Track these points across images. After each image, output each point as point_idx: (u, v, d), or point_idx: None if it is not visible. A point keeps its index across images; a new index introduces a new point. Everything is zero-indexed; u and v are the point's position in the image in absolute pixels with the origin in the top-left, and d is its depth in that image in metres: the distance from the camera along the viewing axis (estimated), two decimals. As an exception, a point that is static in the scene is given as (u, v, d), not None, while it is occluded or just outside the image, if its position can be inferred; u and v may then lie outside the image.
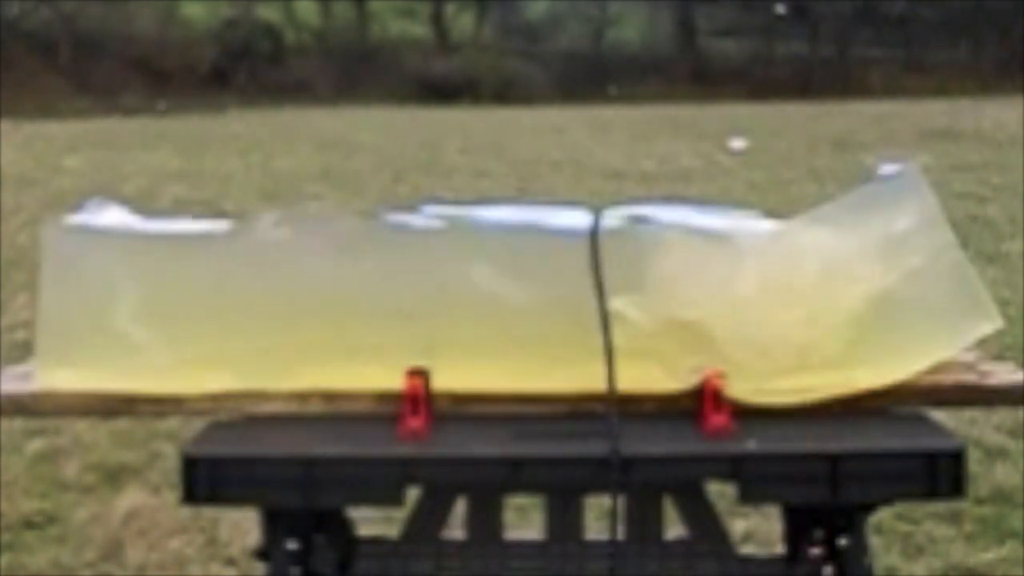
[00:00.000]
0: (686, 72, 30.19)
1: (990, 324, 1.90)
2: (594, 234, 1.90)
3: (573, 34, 32.41)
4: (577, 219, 1.95)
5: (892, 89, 26.78)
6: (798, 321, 1.88)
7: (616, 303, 1.87)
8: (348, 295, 1.94)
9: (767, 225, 1.99)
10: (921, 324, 1.90)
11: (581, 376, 1.87)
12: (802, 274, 1.91)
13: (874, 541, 3.22)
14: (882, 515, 3.30)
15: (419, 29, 32.85)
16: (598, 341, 1.85)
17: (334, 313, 1.93)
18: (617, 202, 2.03)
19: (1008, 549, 3.35)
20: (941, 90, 25.99)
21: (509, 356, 1.90)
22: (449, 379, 1.90)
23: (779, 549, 2.06)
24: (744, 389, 1.87)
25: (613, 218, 1.95)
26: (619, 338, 1.86)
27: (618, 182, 12.46)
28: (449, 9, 33.22)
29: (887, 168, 2.01)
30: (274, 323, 1.93)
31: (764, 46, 31.61)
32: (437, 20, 32.94)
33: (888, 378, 1.89)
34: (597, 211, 1.95)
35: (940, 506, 3.41)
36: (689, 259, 1.91)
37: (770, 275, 1.91)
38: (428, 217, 2.01)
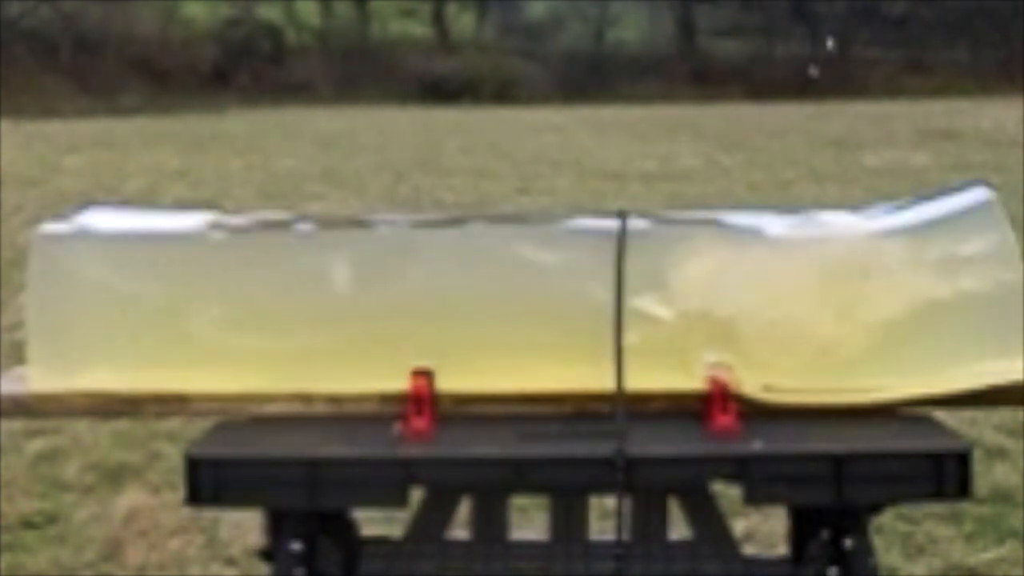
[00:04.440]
0: (686, 72, 30.17)
1: (1019, 374, 1.88)
2: (621, 232, 1.90)
3: (573, 34, 32.40)
4: (604, 220, 1.96)
5: (892, 89, 26.78)
6: (825, 320, 1.88)
7: (639, 301, 1.87)
8: (353, 295, 1.94)
9: (812, 222, 1.98)
10: (956, 348, 1.89)
11: (594, 375, 1.87)
12: (838, 274, 1.90)
13: (874, 541, 3.23)
14: (882, 515, 3.30)
15: (419, 29, 32.85)
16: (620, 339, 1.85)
17: (338, 313, 1.94)
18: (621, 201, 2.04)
19: (1008, 549, 3.35)
20: (941, 90, 26.00)
21: (520, 356, 1.90)
22: (455, 380, 1.90)
23: (780, 548, 2.06)
24: (760, 387, 1.87)
25: (640, 218, 1.96)
26: (639, 336, 1.86)
27: (618, 182, 12.46)
28: (449, 9, 33.22)
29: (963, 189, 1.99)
30: (277, 323, 1.93)
31: (764, 46, 31.60)
32: (437, 20, 32.94)
33: (905, 392, 1.89)
34: (623, 214, 1.96)
35: (940, 506, 3.41)
36: (717, 256, 1.91)
37: (802, 273, 1.91)
38: None
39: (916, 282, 1.90)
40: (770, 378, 1.88)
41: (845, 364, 1.88)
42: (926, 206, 2.01)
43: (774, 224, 1.98)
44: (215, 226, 2.02)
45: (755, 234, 1.95)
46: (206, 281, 1.97)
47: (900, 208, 2.02)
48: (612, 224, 1.94)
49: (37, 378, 1.96)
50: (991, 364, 1.88)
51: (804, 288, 1.90)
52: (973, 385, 1.88)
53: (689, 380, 1.88)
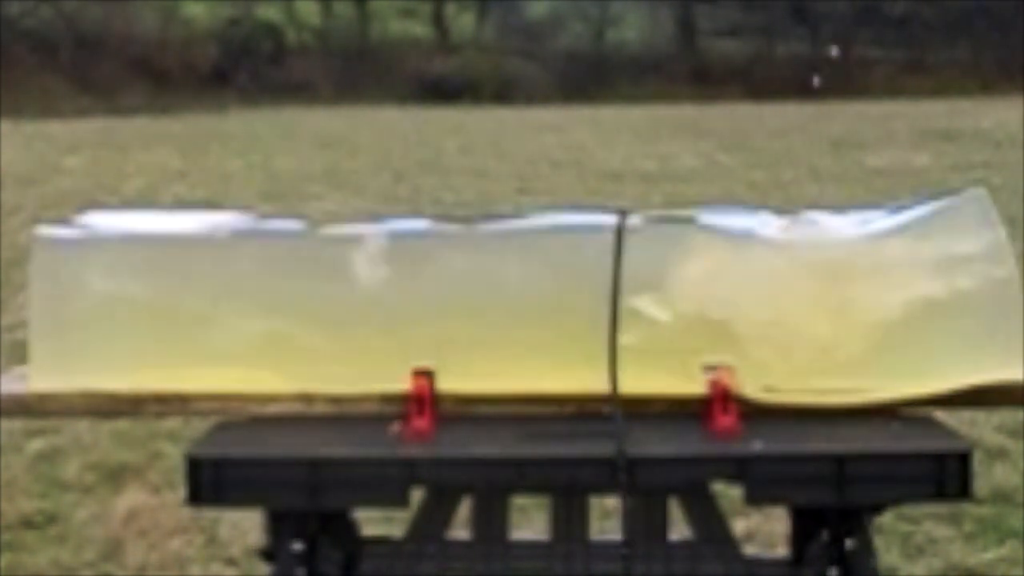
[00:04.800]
0: (686, 72, 30.15)
1: (1017, 371, 1.89)
2: (619, 233, 1.90)
3: (573, 34, 32.39)
4: (602, 219, 1.96)
5: (892, 89, 26.76)
6: (823, 321, 1.88)
7: (636, 301, 1.87)
8: (355, 296, 1.94)
9: (808, 223, 1.99)
10: (952, 347, 1.89)
11: (593, 377, 1.87)
12: (835, 275, 1.91)
13: (874, 540, 3.23)
14: (882, 515, 3.30)
15: (419, 29, 32.83)
16: (615, 340, 1.85)
17: (340, 314, 1.94)
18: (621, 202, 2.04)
19: (1008, 549, 3.35)
20: (941, 90, 25.97)
21: (520, 356, 1.90)
22: (456, 380, 1.90)
23: (780, 549, 2.06)
24: (760, 387, 1.87)
25: (638, 218, 1.96)
26: (636, 337, 1.86)
27: (618, 182, 12.46)
28: (449, 9, 33.19)
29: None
30: (283, 323, 1.94)
31: (764, 46, 31.59)
32: (437, 20, 32.92)
33: (903, 392, 1.89)
34: (623, 213, 1.96)
35: (940, 506, 3.40)
36: (715, 257, 1.91)
37: (799, 274, 1.91)
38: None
39: (911, 283, 1.90)
40: (770, 379, 1.88)
41: (843, 365, 1.88)
42: (919, 207, 2.02)
43: (771, 225, 1.98)
44: (218, 227, 2.03)
45: (752, 235, 1.95)
46: (208, 281, 1.97)
47: (893, 210, 2.03)
48: (611, 224, 1.93)
49: (38, 377, 1.96)
50: (987, 363, 1.88)
51: (802, 289, 1.90)
52: (969, 384, 1.88)
53: (689, 382, 1.88)
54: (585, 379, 1.88)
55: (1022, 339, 1.88)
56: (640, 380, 1.86)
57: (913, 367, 1.89)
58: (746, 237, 1.95)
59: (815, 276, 1.91)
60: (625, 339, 1.86)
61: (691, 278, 1.90)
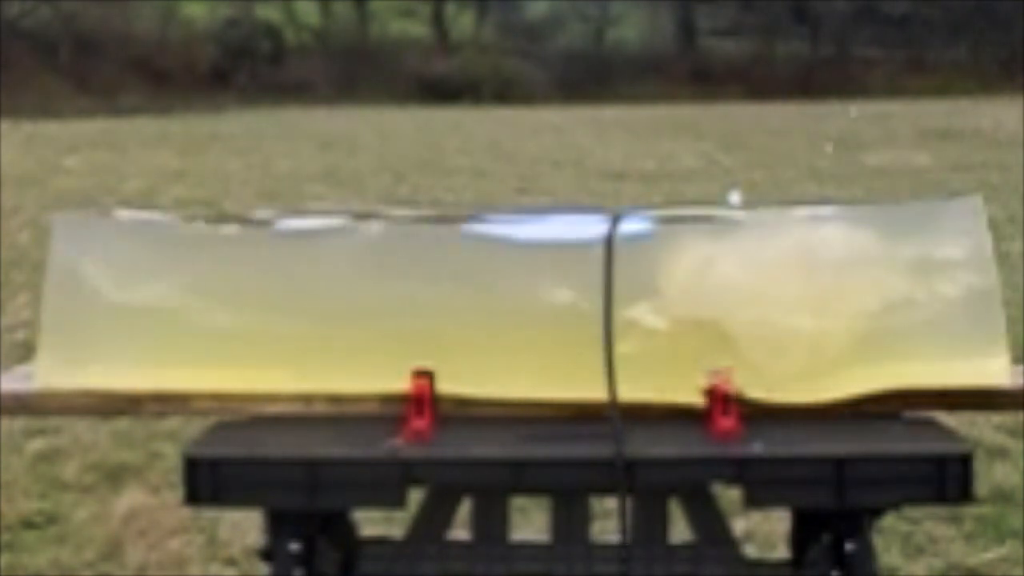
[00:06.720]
0: (686, 72, 30.16)
1: (997, 375, 1.89)
2: (609, 242, 1.90)
3: (573, 34, 32.42)
4: (594, 225, 1.95)
5: (892, 89, 26.78)
6: (812, 319, 1.88)
7: (632, 311, 1.86)
8: (358, 297, 1.94)
9: (794, 217, 1.99)
10: (932, 345, 1.89)
11: (593, 388, 1.86)
12: (821, 271, 1.90)
13: (874, 541, 3.22)
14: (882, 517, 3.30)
15: (419, 29, 32.86)
16: (613, 350, 1.85)
17: (343, 314, 1.93)
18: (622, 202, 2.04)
19: (1008, 549, 3.35)
20: (941, 90, 26.01)
21: (518, 364, 1.90)
22: (456, 385, 1.90)
23: (779, 549, 2.05)
24: (759, 389, 1.87)
25: (629, 222, 1.95)
26: (634, 347, 1.85)
27: (618, 182, 12.46)
28: (449, 9, 33.22)
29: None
30: (283, 323, 1.93)
31: (764, 46, 31.60)
32: (437, 20, 32.94)
33: (890, 383, 1.88)
34: (615, 217, 1.95)
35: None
36: (704, 258, 1.91)
37: (787, 271, 1.91)
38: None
39: (899, 283, 1.90)
40: (769, 378, 1.88)
41: (835, 361, 1.88)
42: (909, 208, 2.02)
43: (767, 222, 1.98)
44: (222, 225, 2.03)
45: (743, 235, 1.94)
46: (210, 280, 1.97)
47: (885, 210, 2.03)
48: (605, 227, 1.93)
49: (44, 375, 1.96)
50: (969, 365, 1.88)
51: (795, 287, 1.90)
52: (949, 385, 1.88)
53: (688, 388, 1.87)
54: (584, 387, 1.87)
55: (1003, 342, 1.89)
56: (638, 387, 1.86)
57: (897, 355, 1.89)
58: (738, 236, 1.94)
59: (806, 273, 1.91)
60: (621, 347, 1.85)
61: (686, 282, 1.89)
